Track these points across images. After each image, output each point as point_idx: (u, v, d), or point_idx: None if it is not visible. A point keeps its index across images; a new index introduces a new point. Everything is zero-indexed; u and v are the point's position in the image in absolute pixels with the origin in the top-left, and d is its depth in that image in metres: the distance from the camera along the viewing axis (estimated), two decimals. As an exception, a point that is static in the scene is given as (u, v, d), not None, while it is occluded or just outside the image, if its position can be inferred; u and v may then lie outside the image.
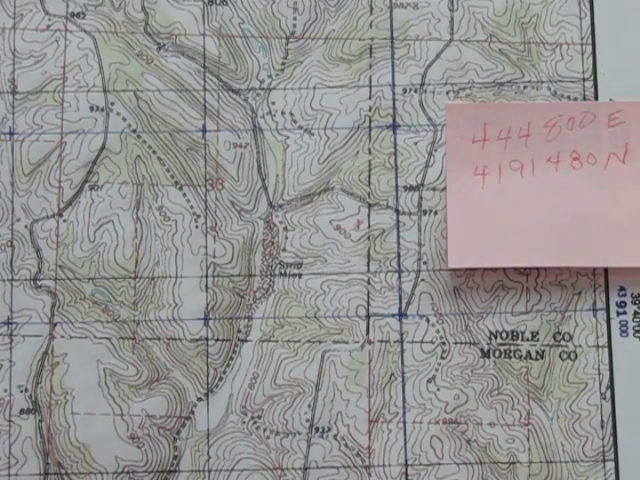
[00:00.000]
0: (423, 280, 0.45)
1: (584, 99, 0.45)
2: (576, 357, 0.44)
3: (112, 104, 0.46)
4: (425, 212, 0.45)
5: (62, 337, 0.45)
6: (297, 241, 0.45)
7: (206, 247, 0.45)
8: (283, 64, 0.46)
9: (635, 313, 0.44)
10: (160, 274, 0.45)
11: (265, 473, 0.44)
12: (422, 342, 0.44)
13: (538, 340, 0.44)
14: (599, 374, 0.44)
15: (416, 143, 0.46)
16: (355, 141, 0.46)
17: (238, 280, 0.45)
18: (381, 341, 0.44)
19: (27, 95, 0.46)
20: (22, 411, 0.44)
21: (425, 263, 0.45)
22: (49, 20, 0.46)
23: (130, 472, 0.44)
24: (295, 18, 0.46)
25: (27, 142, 0.46)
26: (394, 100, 0.46)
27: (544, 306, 0.44)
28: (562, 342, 0.44)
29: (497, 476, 0.44)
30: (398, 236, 0.45)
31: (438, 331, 0.44)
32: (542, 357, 0.44)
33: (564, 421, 0.44)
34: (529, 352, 0.44)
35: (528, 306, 0.44)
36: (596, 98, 0.45)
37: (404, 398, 0.44)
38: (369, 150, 0.46)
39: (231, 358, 0.44)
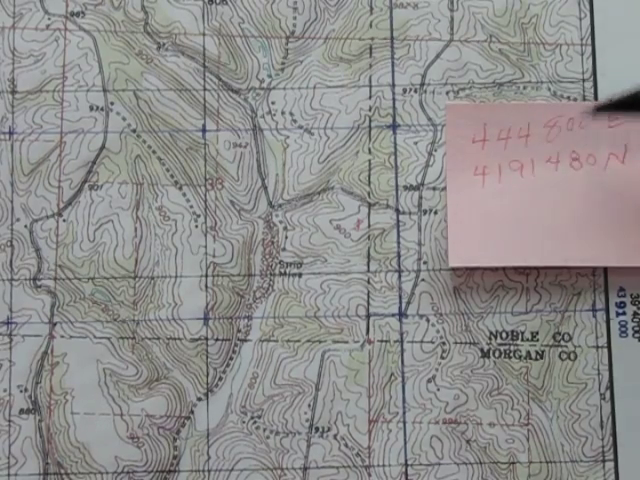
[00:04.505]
0: (423, 280, 0.45)
1: (584, 99, 0.46)
2: (576, 357, 0.44)
3: (112, 104, 0.46)
4: (425, 212, 0.45)
5: (62, 337, 0.45)
6: (297, 241, 0.45)
7: (206, 247, 0.45)
8: (283, 64, 0.46)
9: (634, 314, 0.44)
10: (160, 274, 0.45)
11: (265, 473, 0.44)
12: (422, 342, 0.44)
13: (538, 340, 0.44)
14: (599, 374, 0.44)
15: (416, 143, 0.46)
16: (355, 141, 0.46)
17: (238, 280, 0.45)
18: (381, 341, 0.44)
19: (27, 94, 0.46)
20: (22, 411, 0.44)
21: (425, 263, 0.45)
22: (49, 19, 0.46)
23: (130, 472, 0.44)
24: (295, 18, 0.46)
25: (27, 142, 0.46)
26: (394, 100, 0.46)
27: (544, 306, 0.44)
28: (562, 342, 0.44)
29: (497, 476, 0.44)
30: (398, 236, 0.45)
31: (438, 331, 0.44)
32: (542, 357, 0.44)
33: (564, 421, 0.44)
34: (529, 352, 0.44)
35: (528, 306, 0.44)
36: (596, 98, 0.45)
37: (404, 398, 0.44)
38: (369, 150, 0.46)
39: (231, 358, 0.44)
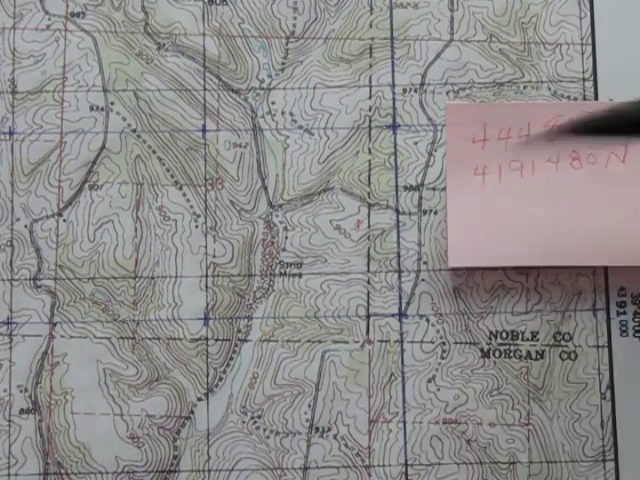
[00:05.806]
0: (423, 280, 0.45)
1: (584, 99, 0.45)
2: (576, 357, 0.44)
3: (112, 104, 0.46)
4: (425, 212, 0.45)
5: (62, 337, 0.45)
6: (297, 241, 0.45)
7: (206, 247, 0.45)
8: (283, 64, 0.46)
9: (635, 313, 0.44)
10: (160, 274, 0.45)
11: (265, 473, 0.44)
12: (422, 342, 0.44)
13: (538, 340, 0.44)
14: (599, 374, 0.44)
15: (416, 143, 0.46)
16: (355, 141, 0.46)
17: (238, 280, 0.45)
18: (381, 341, 0.44)
19: (27, 95, 0.46)
20: (22, 411, 0.44)
21: (425, 263, 0.45)
22: (49, 20, 0.46)
23: (130, 472, 0.44)
24: (295, 18, 0.46)
25: (27, 142, 0.46)
26: (394, 100, 0.46)
27: (544, 306, 0.44)
28: (562, 342, 0.44)
29: (497, 476, 0.44)
30: (398, 236, 0.45)
31: (438, 331, 0.44)
32: (542, 357, 0.44)
33: (564, 421, 0.44)
34: (529, 352, 0.44)
35: (528, 306, 0.44)
36: (596, 98, 0.45)
37: (404, 398, 0.44)
38: (369, 150, 0.46)
39: (231, 358, 0.44)
